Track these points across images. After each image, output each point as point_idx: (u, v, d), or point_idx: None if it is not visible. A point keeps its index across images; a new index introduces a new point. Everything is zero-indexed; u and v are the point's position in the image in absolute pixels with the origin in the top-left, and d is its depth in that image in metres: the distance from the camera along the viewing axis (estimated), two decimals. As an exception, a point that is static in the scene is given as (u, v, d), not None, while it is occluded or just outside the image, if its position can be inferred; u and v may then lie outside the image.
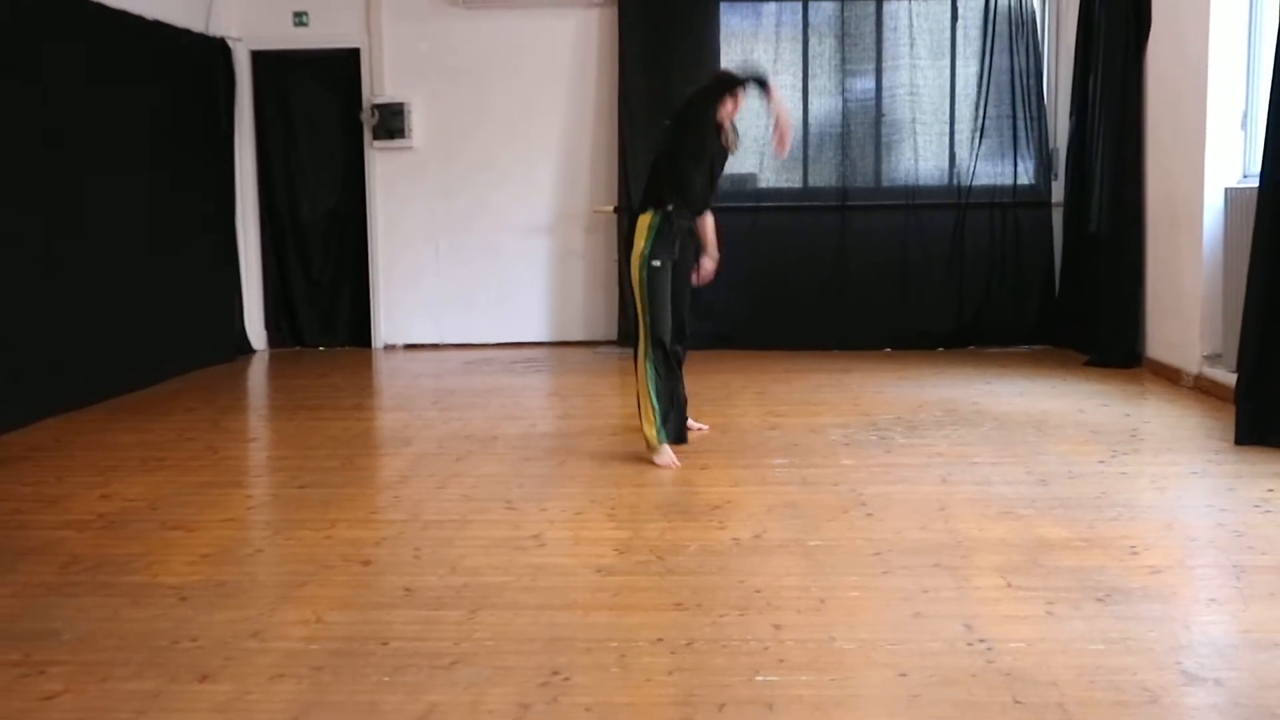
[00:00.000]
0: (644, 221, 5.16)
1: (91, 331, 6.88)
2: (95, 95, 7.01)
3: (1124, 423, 5.88)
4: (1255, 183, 5.46)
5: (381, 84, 9.00)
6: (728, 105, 5.23)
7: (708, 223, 5.54)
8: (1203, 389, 6.52)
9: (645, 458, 5.16)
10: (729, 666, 2.97)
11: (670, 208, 5.15)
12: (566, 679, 2.92)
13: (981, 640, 3.10)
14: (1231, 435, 5.33)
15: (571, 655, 3.06)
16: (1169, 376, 6.96)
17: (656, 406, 5.14)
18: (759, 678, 2.90)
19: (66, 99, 6.71)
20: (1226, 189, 6.44)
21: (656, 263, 5.12)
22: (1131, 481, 4.74)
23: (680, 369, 5.40)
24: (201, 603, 3.51)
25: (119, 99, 7.27)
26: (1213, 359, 6.51)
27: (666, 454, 5.12)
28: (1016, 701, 2.74)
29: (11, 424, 6.05)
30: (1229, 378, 5.91)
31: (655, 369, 5.14)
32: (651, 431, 5.14)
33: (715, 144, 5.29)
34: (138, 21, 7.50)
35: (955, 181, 8.74)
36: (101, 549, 4.06)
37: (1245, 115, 6.44)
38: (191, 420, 6.39)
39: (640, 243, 5.15)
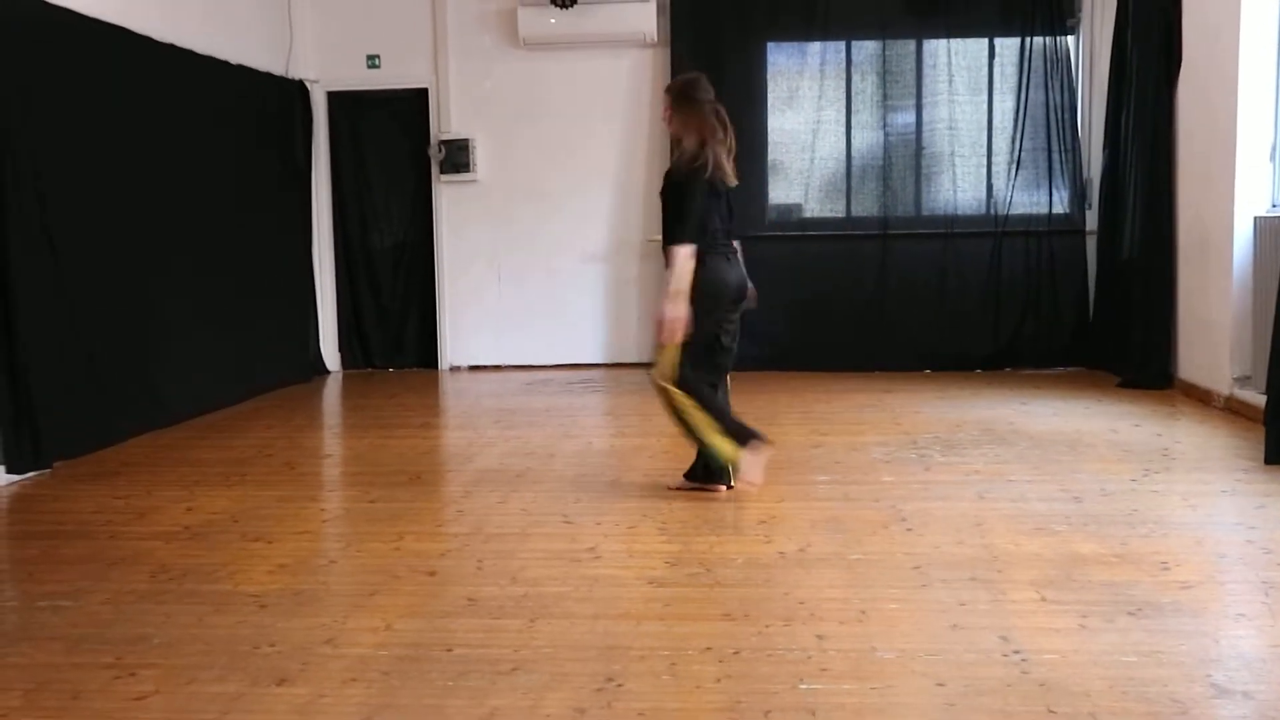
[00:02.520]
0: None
1: (179, 355, 7.01)
2: (185, 134, 7.16)
3: (1156, 442, 5.80)
4: (1283, 212, 5.40)
5: (448, 121, 9.12)
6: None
7: None
8: (1233, 410, 6.42)
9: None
10: (774, 674, 2.97)
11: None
12: (620, 685, 2.93)
13: (1017, 652, 3.08)
14: (1261, 455, 5.25)
15: (625, 663, 3.07)
16: (1200, 398, 6.86)
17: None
18: (803, 686, 2.90)
19: (159, 138, 6.86)
20: (1255, 218, 6.35)
21: None
22: (1163, 499, 4.68)
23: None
24: (280, 610, 3.56)
25: (207, 137, 7.42)
26: (1242, 381, 6.41)
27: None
28: (1050, 711, 2.71)
29: (106, 441, 6.18)
30: (1258, 399, 5.82)
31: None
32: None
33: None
34: (224, 66, 7.67)
35: (992, 211, 8.69)
36: (187, 559, 4.13)
37: (1273, 147, 6.35)
38: (270, 438, 6.48)
39: None
